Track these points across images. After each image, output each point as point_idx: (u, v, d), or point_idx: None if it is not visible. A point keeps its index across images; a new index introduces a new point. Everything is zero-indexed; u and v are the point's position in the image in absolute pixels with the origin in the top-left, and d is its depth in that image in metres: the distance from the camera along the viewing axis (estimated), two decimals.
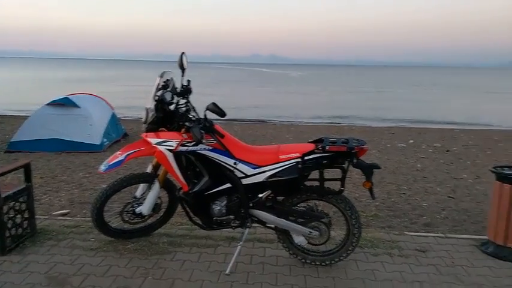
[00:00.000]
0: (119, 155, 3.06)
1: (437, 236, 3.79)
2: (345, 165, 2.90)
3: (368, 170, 2.84)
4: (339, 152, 2.82)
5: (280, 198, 3.08)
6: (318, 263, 3.11)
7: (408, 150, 9.08)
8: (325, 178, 2.97)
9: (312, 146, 2.88)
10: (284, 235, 3.14)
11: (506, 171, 3.32)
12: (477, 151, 9.22)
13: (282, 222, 3.00)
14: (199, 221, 3.14)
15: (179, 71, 3.12)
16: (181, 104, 3.13)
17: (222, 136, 2.94)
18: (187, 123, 2.92)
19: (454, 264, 3.20)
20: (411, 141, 10.33)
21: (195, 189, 2.99)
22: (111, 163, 3.04)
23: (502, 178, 3.28)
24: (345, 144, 2.80)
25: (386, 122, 16.83)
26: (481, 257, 3.36)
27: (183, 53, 3.06)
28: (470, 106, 24.57)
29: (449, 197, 5.53)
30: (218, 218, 3.05)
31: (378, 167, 2.90)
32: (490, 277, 3.01)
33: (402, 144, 9.80)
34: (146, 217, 3.36)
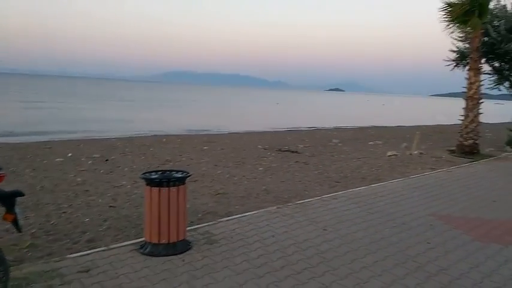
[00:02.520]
0: None
1: (101, 250, 3.74)
2: None
3: (8, 200, 2.39)
4: None
5: None
6: None
7: (67, 165, 8.64)
8: None
9: None
10: None
11: (153, 176, 3.69)
12: (133, 157, 10.00)
13: None
14: None
15: None
16: None
17: None
18: None
19: (118, 275, 3.25)
20: (70, 154, 9.91)
21: None
22: None
23: (150, 183, 3.62)
24: None
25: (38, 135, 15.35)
26: (141, 259, 3.58)
27: None
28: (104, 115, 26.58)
29: (110, 206, 5.63)
30: None
31: (21, 194, 2.48)
32: (150, 276, 3.26)
33: (60, 159, 9.22)
34: None
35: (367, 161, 10.32)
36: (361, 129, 24.45)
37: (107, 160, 9.41)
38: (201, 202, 5.87)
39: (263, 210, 5.25)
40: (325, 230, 4.56)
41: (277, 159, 10.43)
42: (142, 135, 16.46)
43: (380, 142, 15.49)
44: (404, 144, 13.90)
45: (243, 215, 5.01)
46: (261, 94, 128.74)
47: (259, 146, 13.10)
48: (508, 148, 13.59)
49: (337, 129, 24.17)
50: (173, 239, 3.71)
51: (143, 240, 3.87)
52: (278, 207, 5.37)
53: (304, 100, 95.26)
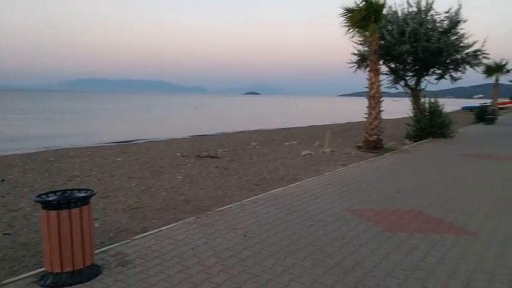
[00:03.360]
0: None
1: None
2: None
3: None
4: None
5: None
6: None
7: None
8: None
9: None
10: None
11: (50, 197, 3.29)
12: (34, 175, 9.00)
13: None
14: None
15: None
16: None
17: None
18: None
19: None
20: None
21: None
22: None
23: (47, 206, 3.21)
24: None
25: None
26: None
27: None
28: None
29: (5, 234, 4.96)
30: None
31: None
32: None
33: None
34: None
35: (284, 162, 10.58)
36: (278, 130, 25.20)
37: (2, 180, 8.34)
38: (113, 219, 5.44)
39: (181, 222, 5.03)
40: (246, 236, 4.50)
41: (197, 166, 10.21)
42: (46, 149, 14.99)
43: (295, 142, 16.06)
44: (317, 142, 14.59)
45: (159, 229, 4.73)
46: (178, 100, 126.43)
47: (178, 154, 12.73)
48: (407, 141, 15.02)
49: (255, 131, 24.60)
50: (79, 266, 3.33)
51: (44, 271, 3.42)
52: (197, 217, 5.19)
53: (222, 104, 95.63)
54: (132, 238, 4.44)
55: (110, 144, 17.12)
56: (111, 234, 4.83)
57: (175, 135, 21.41)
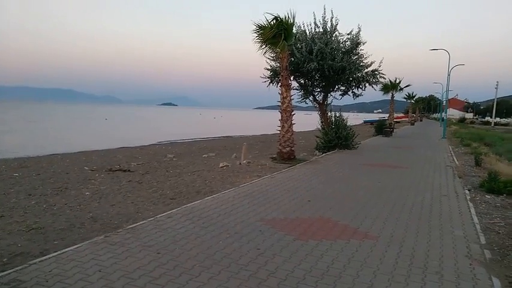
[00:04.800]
0: None
1: None
2: None
3: None
4: None
5: None
6: None
7: None
8: None
9: None
10: None
11: None
12: None
13: None
14: None
15: None
16: None
17: None
18: None
19: None
20: None
21: None
22: None
23: None
24: None
25: None
26: None
27: None
28: None
29: None
30: None
31: None
32: None
33: None
34: None
35: (201, 174, 10.50)
36: (195, 142, 24.98)
37: None
38: (7, 243, 4.86)
39: (88, 242, 4.67)
40: (159, 253, 4.34)
41: (107, 181, 9.62)
42: None
43: (213, 154, 16.06)
44: (234, 154, 14.77)
45: (62, 251, 4.33)
46: (87, 109, 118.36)
47: (86, 168, 11.90)
48: (316, 152, 15.94)
49: (171, 143, 24.06)
50: None
51: None
52: (106, 236, 4.87)
53: (136, 115, 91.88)
54: (30, 262, 4.01)
55: (6, 158, 15.31)
56: (5, 260, 4.30)
57: (84, 147, 19.97)
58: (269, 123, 41.12)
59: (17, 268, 3.87)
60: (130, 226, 5.36)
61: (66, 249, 4.40)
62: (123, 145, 22.29)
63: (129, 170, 11.40)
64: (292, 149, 13.23)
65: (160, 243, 4.68)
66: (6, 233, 5.26)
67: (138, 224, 5.49)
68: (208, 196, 7.47)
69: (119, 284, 3.55)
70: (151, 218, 5.79)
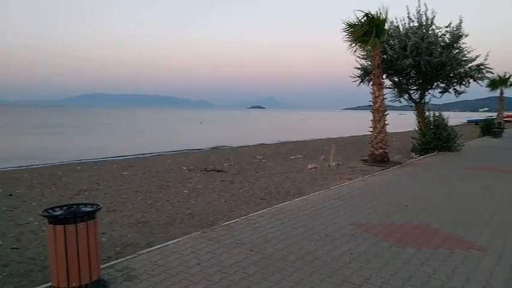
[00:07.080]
0: None
1: None
2: None
3: None
4: None
5: None
6: None
7: None
8: None
9: None
10: None
11: (57, 212, 3.30)
12: (42, 189, 9.05)
13: None
14: None
15: None
16: None
17: None
18: None
19: None
20: None
21: None
22: None
23: (54, 221, 3.23)
24: None
25: None
26: None
27: None
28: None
29: (13, 248, 4.97)
30: None
31: None
32: None
33: None
34: None
35: (289, 175, 10.56)
36: (283, 144, 25.22)
37: (10, 195, 8.38)
38: (119, 234, 5.45)
39: (187, 236, 5.01)
40: (252, 251, 4.48)
41: (203, 180, 10.22)
42: (53, 164, 15.08)
43: (301, 156, 16.04)
44: (323, 156, 14.56)
45: (165, 244, 4.72)
46: (184, 114, 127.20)
47: (184, 167, 12.76)
48: (413, 154, 14.94)
49: (260, 145, 24.62)
50: (85, 281, 3.33)
51: (50, 286, 3.42)
52: (203, 232, 5.18)
53: (227, 118, 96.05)
54: (139, 253, 4.43)
55: (117, 158, 17.20)
56: (118, 249, 4.82)
57: (182, 148, 21.52)
58: (358, 124, 39.74)
59: (128, 257, 4.31)
60: (225, 223, 5.61)
61: (169, 242, 4.77)
62: (217, 146, 23.54)
63: (222, 171, 11.94)
64: (386, 151, 12.61)
65: (253, 241, 4.82)
66: (119, 225, 5.89)
67: (232, 221, 5.72)
68: (297, 197, 7.48)
69: (216, 278, 3.74)
70: (244, 217, 5.99)
